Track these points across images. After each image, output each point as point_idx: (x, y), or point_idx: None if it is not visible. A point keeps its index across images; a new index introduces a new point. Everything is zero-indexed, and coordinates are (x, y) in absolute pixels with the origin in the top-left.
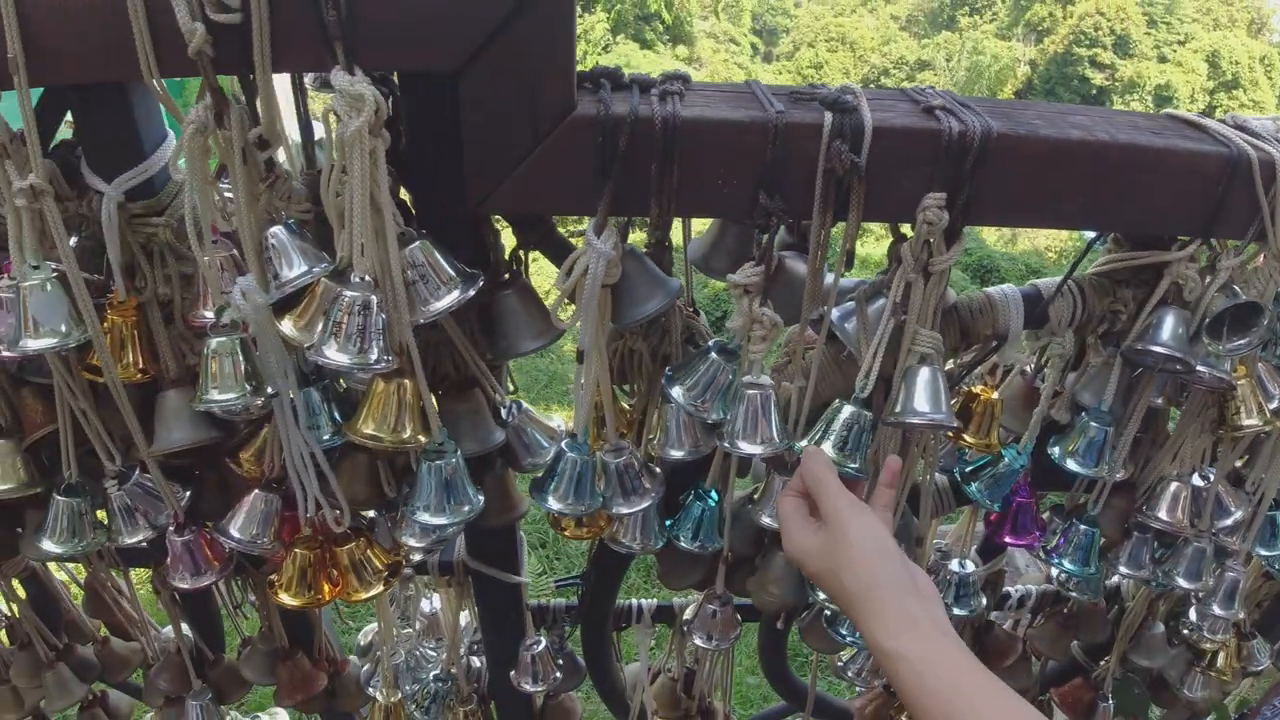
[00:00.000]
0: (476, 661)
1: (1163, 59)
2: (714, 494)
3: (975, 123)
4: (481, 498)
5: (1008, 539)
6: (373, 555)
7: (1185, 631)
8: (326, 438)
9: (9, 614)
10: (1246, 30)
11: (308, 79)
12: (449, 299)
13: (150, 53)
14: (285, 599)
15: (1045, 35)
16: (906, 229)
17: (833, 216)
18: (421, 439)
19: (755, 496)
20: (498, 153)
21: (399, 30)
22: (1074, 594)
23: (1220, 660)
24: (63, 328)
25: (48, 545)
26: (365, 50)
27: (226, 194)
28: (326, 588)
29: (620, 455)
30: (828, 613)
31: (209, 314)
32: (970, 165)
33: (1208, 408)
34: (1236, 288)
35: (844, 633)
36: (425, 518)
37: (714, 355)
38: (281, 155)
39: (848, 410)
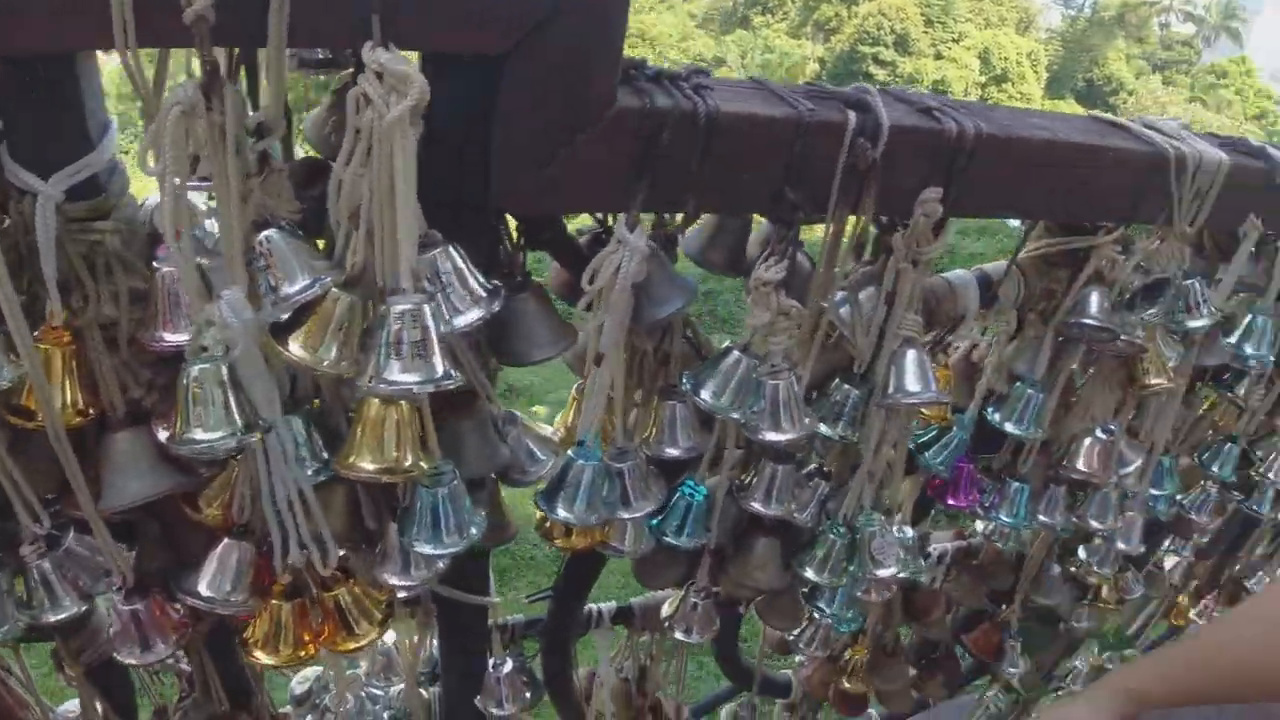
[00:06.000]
0: (425, 693)
1: (939, 56)
2: (700, 488)
3: (969, 123)
4: (484, 515)
5: (951, 501)
6: (364, 598)
7: (1073, 570)
8: (311, 472)
9: None
10: (1015, 28)
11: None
12: (471, 315)
13: (129, 15)
14: (263, 658)
15: (832, 34)
16: None
17: (847, 208)
18: (424, 465)
19: (746, 482)
20: (534, 146)
21: (445, 5)
22: (1001, 545)
23: (1104, 592)
24: None
25: None
26: (404, 26)
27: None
28: (309, 639)
29: (626, 459)
30: (805, 589)
31: (170, 336)
32: (964, 162)
33: (1116, 370)
34: (1143, 265)
35: (821, 605)
36: (427, 548)
37: (736, 354)
38: None
39: (845, 389)
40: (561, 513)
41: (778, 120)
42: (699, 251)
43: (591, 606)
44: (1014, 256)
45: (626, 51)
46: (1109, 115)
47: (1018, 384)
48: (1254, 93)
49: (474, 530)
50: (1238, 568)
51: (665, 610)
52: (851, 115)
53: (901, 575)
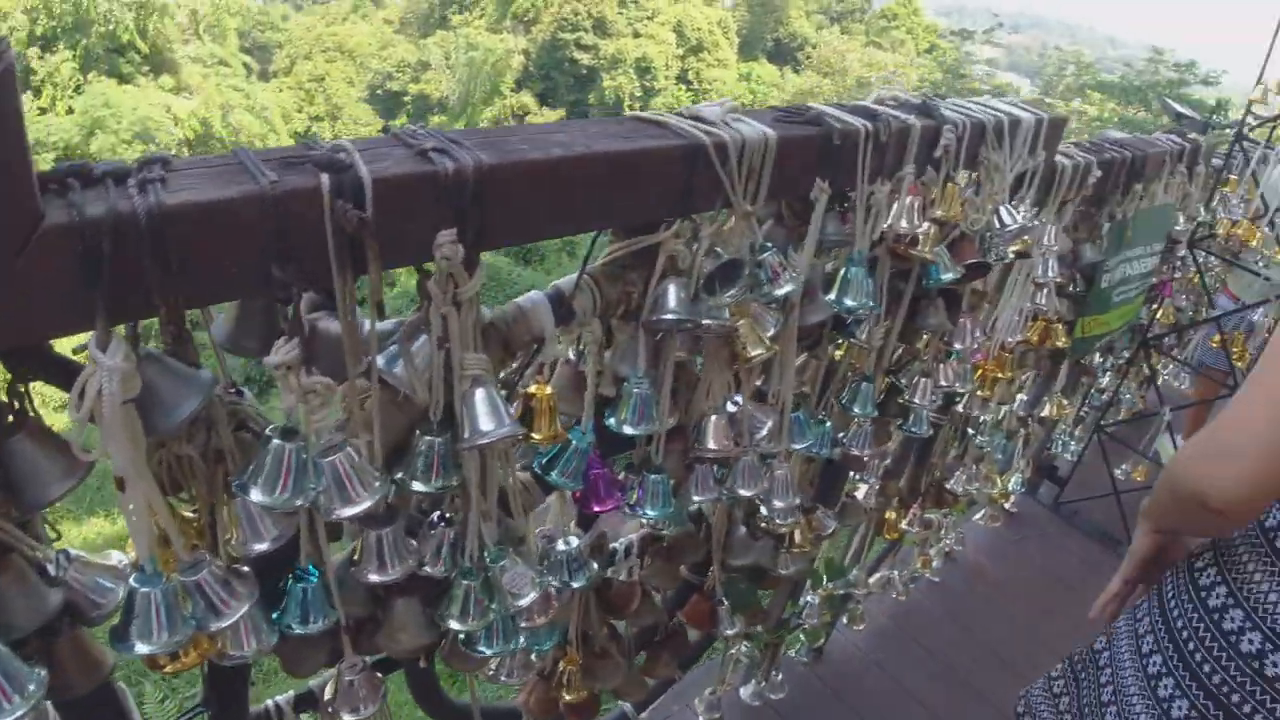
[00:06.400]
0: None
1: (637, 34)
2: (312, 569)
3: (466, 158)
4: (42, 671)
5: (596, 507)
6: None
7: (762, 526)
8: None
9: None
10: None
11: None
12: None
13: None
14: None
15: (532, 24)
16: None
17: (354, 272)
18: None
19: (355, 557)
20: None
21: None
22: (666, 531)
23: (798, 537)
24: None
25: None
26: None
27: None
28: None
29: (199, 570)
30: (462, 636)
31: None
32: (470, 198)
33: (720, 349)
34: (718, 249)
35: (481, 648)
36: None
37: (276, 442)
38: None
39: (428, 440)
40: (141, 647)
41: (236, 200)
42: (228, 339)
43: (268, 702)
44: (582, 267)
45: (325, 66)
46: (648, 113)
47: (625, 385)
48: (922, 30)
49: (33, 688)
50: (937, 474)
51: (326, 694)
52: (325, 178)
53: (578, 585)
